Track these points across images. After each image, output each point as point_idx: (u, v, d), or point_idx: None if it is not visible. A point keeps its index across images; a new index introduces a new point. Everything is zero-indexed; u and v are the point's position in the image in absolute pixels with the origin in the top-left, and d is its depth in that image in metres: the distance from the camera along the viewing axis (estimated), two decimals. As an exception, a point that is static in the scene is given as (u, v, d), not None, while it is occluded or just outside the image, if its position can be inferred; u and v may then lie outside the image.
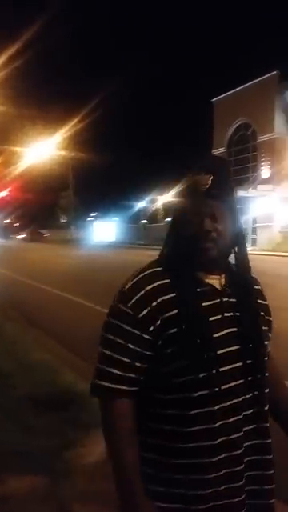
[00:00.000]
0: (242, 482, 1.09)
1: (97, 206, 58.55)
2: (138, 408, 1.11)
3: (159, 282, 1.10)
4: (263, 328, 1.19)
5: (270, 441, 1.16)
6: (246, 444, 1.10)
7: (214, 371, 1.06)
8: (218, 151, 33.44)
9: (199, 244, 1.11)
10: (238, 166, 32.01)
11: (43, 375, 4.41)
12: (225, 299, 1.14)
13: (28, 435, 3.12)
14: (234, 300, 1.16)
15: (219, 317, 1.11)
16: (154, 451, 1.11)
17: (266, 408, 1.17)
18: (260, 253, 23.96)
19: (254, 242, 29.40)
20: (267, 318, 1.24)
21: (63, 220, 59.82)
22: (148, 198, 45.51)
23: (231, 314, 1.13)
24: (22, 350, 5.42)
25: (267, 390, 1.18)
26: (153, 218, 47.15)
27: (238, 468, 1.09)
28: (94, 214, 58.66)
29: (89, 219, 56.16)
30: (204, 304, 1.10)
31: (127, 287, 1.12)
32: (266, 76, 29.05)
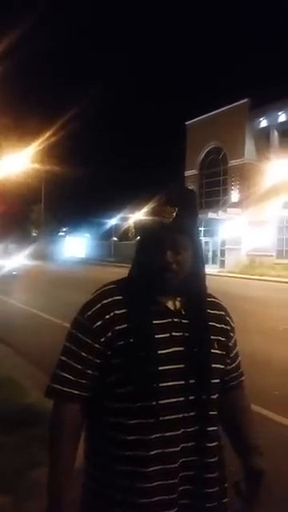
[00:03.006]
0: (174, 495, 1.14)
1: (68, 221, 58.31)
2: (88, 412, 1.19)
3: (115, 298, 1.18)
4: (217, 351, 1.23)
5: (213, 459, 1.20)
6: (184, 460, 1.15)
7: (154, 385, 1.12)
8: (191, 173, 34.15)
9: (159, 274, 1.16)
10: (209, 189, 32.76)
11: (9, 392, 4.39)
12: (176, 319, 1.19)
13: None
14: (186, 321, 1.20)
15: (167, 335, 1.16)
16: (94, 454, 1.20)
17: (211, 428, 1.20)
18: (227, 275, 24.38)
19: (222, 263, 29.93)
20: (226, 342, 1.27)
21: (34, 234, 59.16)
22: (119, 216, 45.68)
23: (181, 333, 1.18)
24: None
25: (214, 412, 1.22)
26: (124, 235, 47.30)
27: (172, 481, 1.13)
28: (65, 229, 58.35)
29: (59, 234, 55.79)
30: (154, 322, 1.16)
31: (87, 301, 1.22)
32: (238, 103, 30.05)
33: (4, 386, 4.59)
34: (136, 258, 1.24)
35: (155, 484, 1.12)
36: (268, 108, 28.42)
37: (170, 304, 1.21)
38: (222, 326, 1.28)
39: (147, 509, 1.12)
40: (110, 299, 1.19)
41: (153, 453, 1.12)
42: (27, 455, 3.08)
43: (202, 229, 31.20)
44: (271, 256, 27.56)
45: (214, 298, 1.34)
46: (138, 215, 1.24)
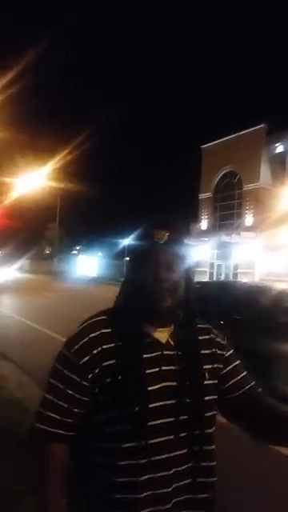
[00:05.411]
0: None
1: (82, 240, 58.74)
2: (74, 451, 1.12)
3: (103, 331, 1.13)
4: (209, 381, 1.18)
5: (206, 495, 1.14)
6: (177, 500, 1.10)
7: (143, 425, 1.06)
8: (205, 195, 34.26)
9: (154, 293, 1.12)
10: (223, 212, 32.78)
11: (12, 414, 4.33)
12: (166, 352, 1.14)
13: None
14: (176, 353, 1.16)
15: (157, 370, 1.11)
16: (84, 496, 1.12)
17: (206, 463, 1.15)
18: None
19: (234, 287, 29.61)
20: (217, 368, 1.22)
21: (47, 251, 59.62)
22: (132, 236, 45.85)
23: (171, 367, 1.13)
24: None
25: (211, 447, 1.17)
26: (136, 255, 47.23)
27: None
28: (78, 248, 58.74)
29: (73, 252, 56.15)
30: (144, 356, 1.11)
31: (73, 334, 1.16)
32: (254, 128, 30.26)
33: (6, 406, 4.53)
34: (126, 284, 1.21)
35: None
36: (285, 133, 28.53)
37: (160, 336, 1.16)
38: (212, 350, 1.23)
39: None
40: (97, 332, 1.13)
41: (143, 495, 1.07)
42: (27, 480, 3.01)
43: (214, 251, 31.13)
44: (285, 281, 27.24)
45: (201, 323, 1.28)
46: (131, 238, 1.26)
